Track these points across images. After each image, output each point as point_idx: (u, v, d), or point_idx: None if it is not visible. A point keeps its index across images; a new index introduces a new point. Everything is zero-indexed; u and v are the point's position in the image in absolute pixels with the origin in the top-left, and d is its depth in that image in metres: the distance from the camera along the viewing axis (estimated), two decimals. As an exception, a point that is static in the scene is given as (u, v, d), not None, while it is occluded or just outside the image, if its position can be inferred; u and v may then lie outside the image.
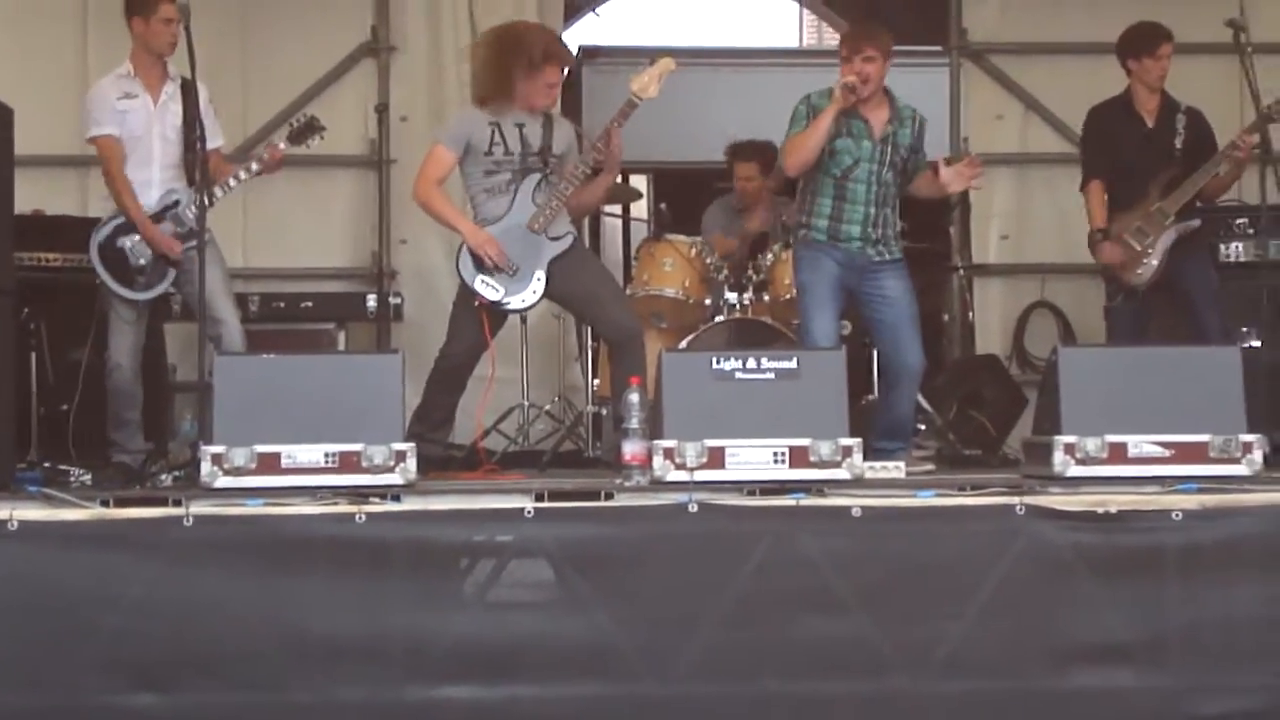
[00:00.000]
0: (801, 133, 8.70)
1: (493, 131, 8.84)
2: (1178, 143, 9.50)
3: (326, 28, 11.12)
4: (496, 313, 8.92)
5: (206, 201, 8.48)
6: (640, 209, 12.15)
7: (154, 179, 8.83)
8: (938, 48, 11.69)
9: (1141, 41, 9.62)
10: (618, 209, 12.02)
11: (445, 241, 11.08)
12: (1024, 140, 11.48)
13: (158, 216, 8.75)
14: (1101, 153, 9.73)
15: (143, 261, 8.73)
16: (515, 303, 8.87)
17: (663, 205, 10.44)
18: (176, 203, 8.77)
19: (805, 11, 19.60)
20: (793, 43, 20.54)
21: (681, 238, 10.12)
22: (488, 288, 8.81)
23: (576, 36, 13.47)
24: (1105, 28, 11.04)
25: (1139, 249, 9.41)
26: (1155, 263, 9.41)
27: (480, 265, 8.80)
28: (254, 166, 8.89)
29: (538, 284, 8.84)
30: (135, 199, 8.77)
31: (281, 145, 8.98)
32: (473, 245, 8.80)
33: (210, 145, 8.82)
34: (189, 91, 8.83)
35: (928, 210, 10.68)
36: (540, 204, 8.81)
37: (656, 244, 10.09)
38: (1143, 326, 9.53)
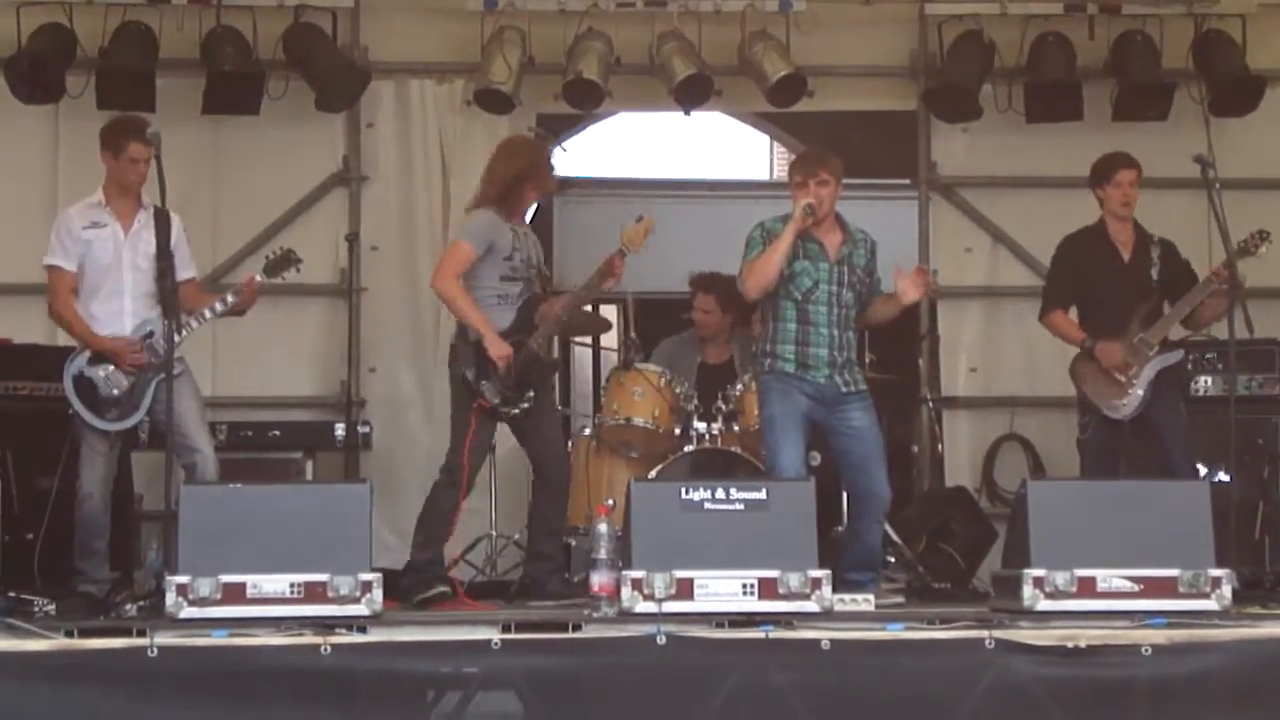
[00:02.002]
0: (761, 254, 8.74)
1: (512, 238, 9.12)
2: (1154, 274, 9.50)
3: (298, 156, 11.14)
4: (493, 417, 9.11)
5: (180, 332, 8.52)
6: (610, 338, 12.17)
7: (125, 309, 8.82)
8: (907, 181, 11.76)
9: (1101, 170, 9.68)
10: (588, 339, 12.03)
11: (415, 369, 11.10)
12: (993, 273, 11.52)
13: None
14: (1068, 283, 9.75)
15: (115, 392, 8.70)
16: (513, 410, 9.09)
17: (633, 335, 10.45)
18: (151, 333, 8.75)
19: (775, 144, 19.72)
20: (764, 175, 20.65)
21: (651, 367, 10.13)
22: (490, 391, 9.00)
23: (547, 168, 13.53)
24: (1073, 162, 11.13)
25: (1123, 381, 9.42)
26: (1140, 393, 9.39)
27: (486, 372, 8.99)
28: (229, 299, 8.91)
29: (529, 401, 9.07)
30: (83, 322, 8.78)
31: (257, 277, 9.02)
32: (495, 354, 9.00)
33: (183, 276, 8.87)
34: (161, 221, 8.85)
35: (896, 342, 10.71)
36: (540, 324, 9.14)
37: (626, 373, 10.09)
38: (1114, 460, 9.52)
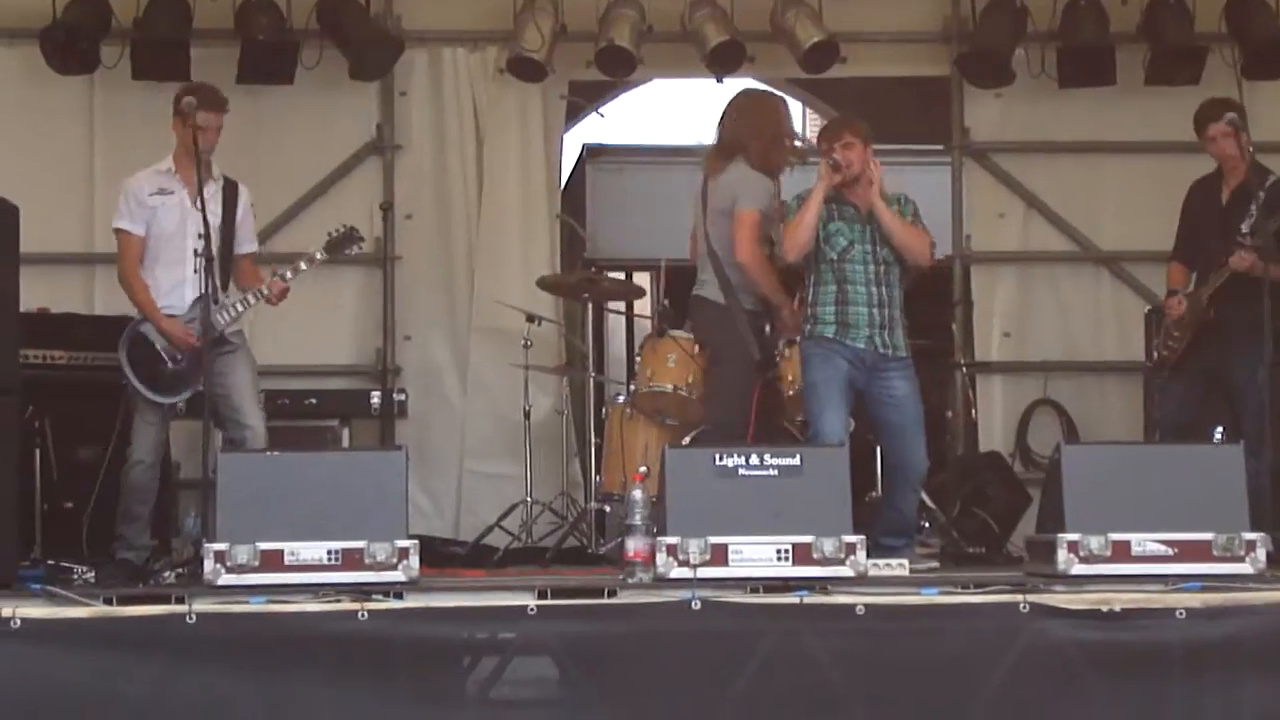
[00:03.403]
0: (793, 219, 8.73)
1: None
2: (1244, 225, 9.18)
3: (332, 125, 11.16)
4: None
5: (231, 311, 8.71)
6: (643, 306, 12.18)
7: (187, 278, 8.82)
8: (940, 146, 11.74)
9: (1196, 125, 9.54)
10: (621, 306, 12.04)
11: (449, 337, 11.12)
12: (1026, 238, 11.50)
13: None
14: (1179, 234, 9.69)
15: (172, 366, 8.75)
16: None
17: (666, 302, 10.46)
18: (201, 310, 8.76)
19: (808, 110, 19.69)
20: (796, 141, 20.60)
21: (684, 334, 10.14)
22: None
23: (580, 136, 13.53)
24: (1106, 127, 11.19)
25: (1176, 335, 9.41)
26: (1179, 348, 9.38)
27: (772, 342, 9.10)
28: (263, 291, 8.96)
29: None
30: (147, 293, 8.80)
31: (318, 255, 9.08)
32: (791, 328, 9.11)
33: (244, 250, 8.97)
34: (231, 193, 8.89)
35: (930, 308, 10.70)
36: None
37: (660, 340, 10.10)
38: (1188, 405, 9.49)
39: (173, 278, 8.84)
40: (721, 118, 9.46)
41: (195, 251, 8.65)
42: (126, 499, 8.77)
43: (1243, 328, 9.07)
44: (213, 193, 8.85)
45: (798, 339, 9.02)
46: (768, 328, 9.20)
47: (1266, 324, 8.62)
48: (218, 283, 8.72)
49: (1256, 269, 9.02)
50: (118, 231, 8.92)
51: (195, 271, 8.73)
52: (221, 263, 8.82)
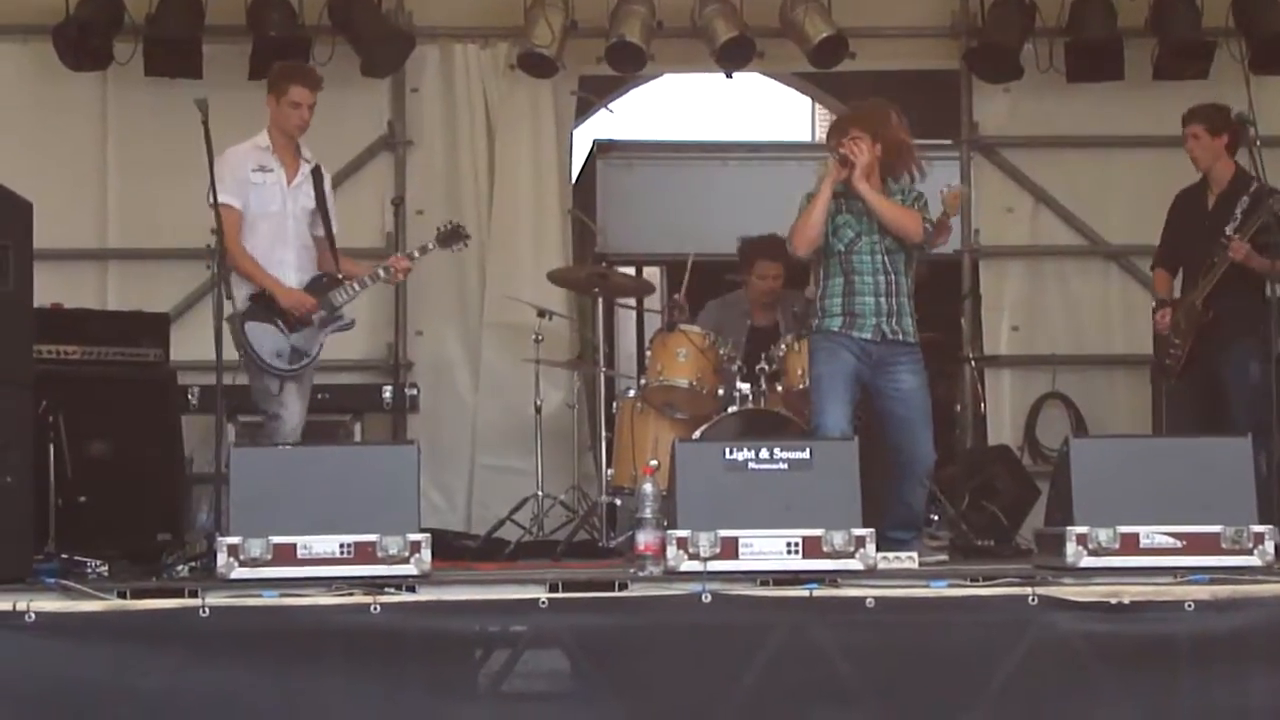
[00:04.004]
0: (801, 215, 8.74)
1: None
2: (1229, 228, 9.33)
3: (344, 121, 11.17)
4: None
5: (358, 286, 8.90)
6: (654, 301, 12.22)
7: (289, 260, 8.88)
8: (948, 141, 11.77)
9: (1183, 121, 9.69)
10: (631, 301, 12.08)
11: (461, 332, 11.16)
12: (1034, 232, 11.53)
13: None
14: (1163, 242, 9.83)
15: (291, 339, 8.85)
16: None
17: (677, 296, 10.50)
18: (325, 285, 8.89)
19: (817, 106, 19.71)
20: (805, 137, 20.64)
21: (695, 329, 10.18)
22: None
23: (590, 131, 13.58)
24: (1114, 122, 11.21)
25: (1178, 342, 9.47)
26: (1182, 354, 9.47)
27: None
28: (380, 274, 9.08)
29: None
30: (256, 263, 8.80)
31: (430, 245, 9.24)
32: None
33: (325, 233, 9.00)
34: (318, 175, 8.93)
35: (939, 301, 10.73)
36: None
37: (670, 335, 10.14)
38: (1179, 413, 9.62)
39: (273, 259, 8.84)
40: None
41: (302, 231, 8.86)
42: None
43: (1236, 325, 9.24)
44: (305, 174, 8.91)
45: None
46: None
47: (1274, 317, 8.66)
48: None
49: (1252, 260, 9.11)
50: (222, 207, 8.65)
51: (295, 252, 8.86)
52: (331, 244, 8.93)
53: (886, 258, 8.76)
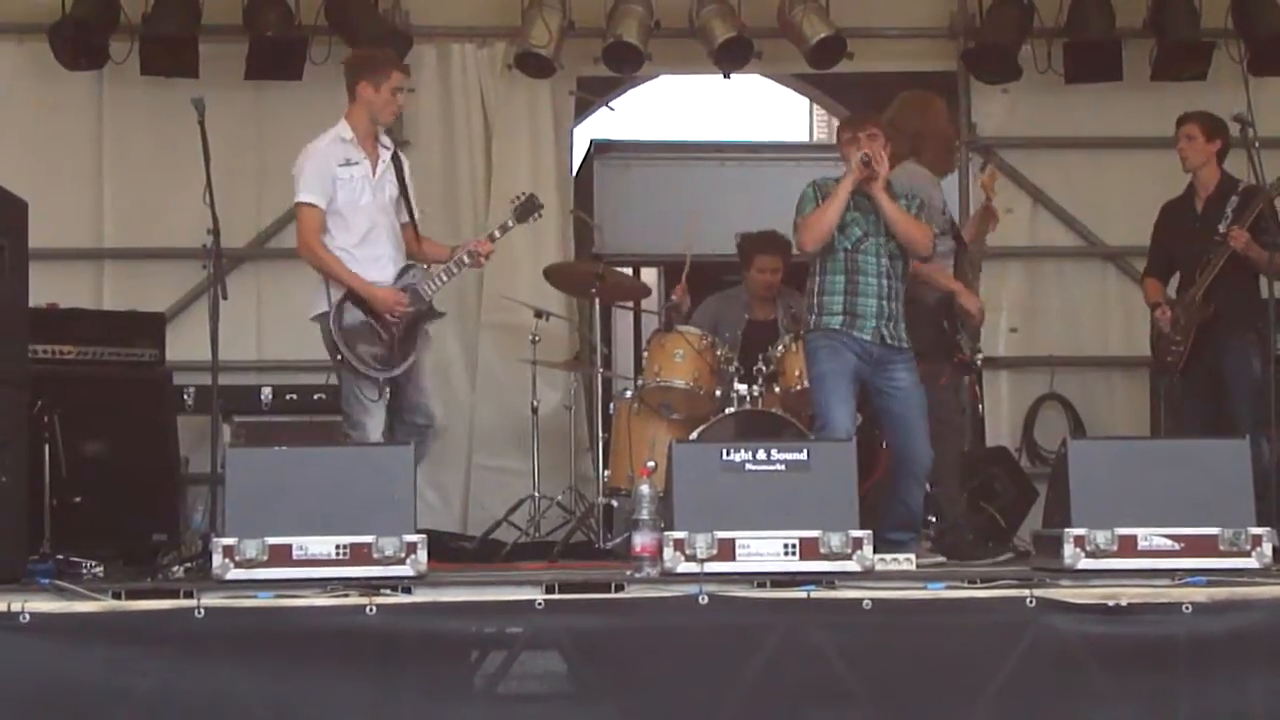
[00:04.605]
0: (817, 209, 8.72)
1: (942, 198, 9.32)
2: (1222, 226, 9.45)
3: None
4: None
5: (445, 277, 8.78)
6: (651, 302, 12.21)
7: (387, 254, 8.73)
8: (946, 141, 11.75)
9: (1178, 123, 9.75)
10: (629, 302, 12.06)
11: (458, 331, 11.13)
12: (1033, 233, 11.53)
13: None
14: (1153, 250, 9.93)
15: (385, 337, 8.66)
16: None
17: (674, 297, 10.48)
18: (413, 277, 8.76)
19: (816, 106, 19.70)
20: (803, 137, 20.64)
21: (692, 329, 10.17)
22: (966, 343, 9.22)
23: (587, 132, 13.56)
24: (1113, 123, 11.20)
25: (1179, 339, 9.53)
26: (1183, 350, 9.53)
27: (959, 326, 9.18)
28: (465, 259, 8.93)
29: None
30: (342, 264, 8.62)
31: (509, 222, 9.08)
32: (971, 305, 9.18)
33: (407, 219, 8.89)
34: (399, 161, 8.81)
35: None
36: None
37: (667, 336, 10.13)
38: (1200, 405, 9.64)
39: (371, 254, 8.68)
40: (892, 118, 9.38)
41: (390, 221, 8.72)
42: None
43: (1236, 320, 9.36)
44: (387, 161, 8.77)
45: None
46: (946, 317, 9.21)
47: (1271, 314, 8.71)
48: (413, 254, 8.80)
49: (1251, 250, 9.15)
50: (303, 205, 8.69)
51: (390, 245, 8.70)
52: (414, 230, 8.81)
53: (890, 262, 8.76)
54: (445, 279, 8.88)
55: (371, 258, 8.69)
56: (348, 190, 8.66)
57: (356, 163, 8.69)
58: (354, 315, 8.66)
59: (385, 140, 8.82)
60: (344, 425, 8.88)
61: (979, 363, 9.17)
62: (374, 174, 8.72)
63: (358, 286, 8.62)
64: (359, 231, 8.69)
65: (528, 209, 9.18)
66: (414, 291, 8.72)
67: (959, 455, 9.46)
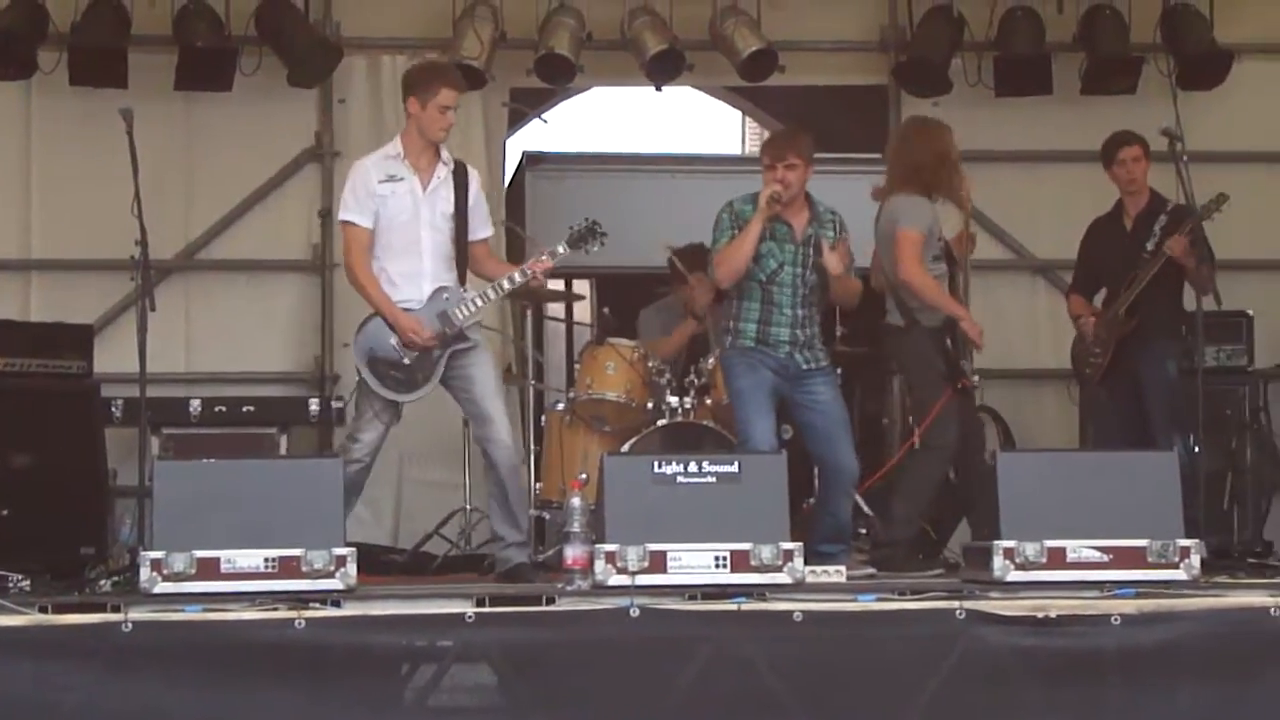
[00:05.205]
0: (731, 243, 8.79)
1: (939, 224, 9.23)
2: (1149, 245, 9.58)
3: (271, 133, 11.13)
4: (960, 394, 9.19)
5: (480, 302, 8.55)
6: (583, 313, 12.19)
7: (424, 270, 8.56)
8: (878, 155, 11.77)
9: (1106, 151, 9.89)
10: (561, 313, 12.04)
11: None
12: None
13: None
14: (1079, 267, 10.07)
15: (407, 361, 8.55)
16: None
17: (606, 309, 10.48)
18: (446, 299, 8.57)
19: (747, 119, 19.73)
20: (735, 150, 20.66)
21: (624, 341, 10.17)
22: (969, 370, 9.25)
23: (519, 143, 13.52)
24: (1043, 136, 11.26)
25: (1098, 351, 9.68)
26: (1103, 363, 9.69)
27: (960, 353, 9.14)
28: (516, 277, 8.70)
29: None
30: (379, 287, 8.52)
31: (560, 249, 8.82)
32: (974, 334, 9.16)
33: (478, 236, 8.70)
34: (462, 177, 8.63)
35: (866, 315, 10.73)
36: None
37: (599, 348, 10.13)
38: (1102, 422, 9.88)
39: (406, 270, 8.54)
40: (889, 148, 9.57)
41: (440, 238, 8.54)
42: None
43: (1156, 329, 9.57)
44: (443, 177, 8.60)
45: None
46: (949, 341, 9.21)
47: (1199, 324, 8.84)
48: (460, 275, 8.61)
49: (1187, 258, 9.23)
50: (344, 224, 8.60)
51: (432, 261, 8.52)
52: (458, 253, 8.60)
53: (804, 292, 8.85)
54: (481, 303, 8.65)
55: (406, 274, 8.56)
56: (388, 207, 8.54)
57: (401, 179, 8.56)
58: (380, 334, 8.57)
59: (445, 156, 8.66)
60: (348, 432, 8.84)
61: (977, 385, 9.20)
62: (424, 190, 8.57)
63: (384, 310, 8.51)
64: (395, 248, 8.56)
65: (585, 237, 8.91)
66: (444, 315, 8.55)
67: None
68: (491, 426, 8.50)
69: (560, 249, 8.82)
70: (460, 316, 8.55)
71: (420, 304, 8.57)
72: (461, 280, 8.66)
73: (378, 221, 8.55)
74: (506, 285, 8.72)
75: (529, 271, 8.71)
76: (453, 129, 8.71)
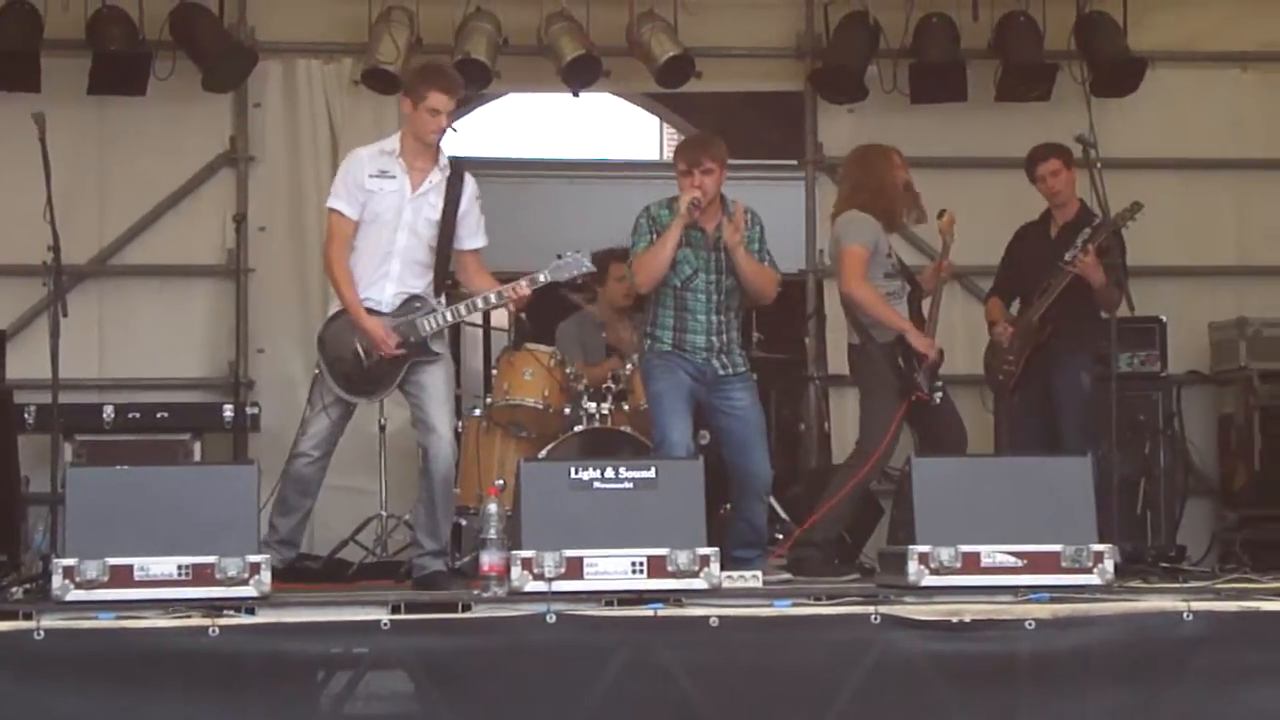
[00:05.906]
0: (650, 249, 8.80)
1: (887, 241, 9.24)
2: (1068, 256, 9.61)
3: (185, 137, 11.06)
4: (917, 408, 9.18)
5: (451, 316, 8.53)
6: (500, 318, 12.17)
7: (391, 273, 8.50)
8: (794, 161, 11.82)
9: (1028, 165, 9.95)
10: (478, 319, 12.02)
11: (303, 350, 11.03)
12: (879, 252, 11.59)
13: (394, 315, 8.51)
14: (1000, 271, 10.14)
15: (366, 365, 8.50)
16: (934, 400, 9.19)
17: (523, 315, 10.44)
18: (417, 309, 8.51)
19: (665, 125, 19.76)
20: (654, 155, 20.68)
21: (541, 347, 10.16)
22: (925, 383, 9.14)
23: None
24: (958, 143, 11.30)
25: (1011, 358, 9.73)
26: (1015, 370, 9.74)
27: (914, 365, 9.10)
28: (492, 298, 8.66)
29: (941, 389, 9.29)
30: (351, 285, 8.46)
31: (541, 277, 8.65)
32: (922, 347, 9.11)
33: (469, 245, 8.63)
34: (456, 183, 8.53)
35: (784, 320, 10.77)
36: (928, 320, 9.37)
37: (516, 353, 10.10)
38: (1015, 428, 9.88)
39: (375, 269, 8.48)
40: (849, 174, 9.65)
41: (417, 243, 8.49)
42: (285, 489, 8.63)
43: (1070, 341, 9.64)
44: (436, 182, 8.52)
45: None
46: (902, 356, 9.20)
47: (1113, 335, 8.89)
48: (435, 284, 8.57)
49: (1095, 273, 9.29)
50: (330, 211, 8.53)
51: (401, 264, 8.46)
52: (437, 261, 8.53)
53: (720, 297, 8.86)
54: (451, 318, 8.60)
55: (376, 275, 8.51)
56: (374, 202, 8.48)
57: (393, 176, 8.50)
58: (343, 332, 8.54)
59: (444, 161, 8.58)
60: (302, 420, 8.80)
61: (938, 400, 9.19)
62: (412, 191, 8.52)
63: (353, 312, 8.46)
64: (367, 245, 8.51)
65: (564, 270, 8.73)
66: (410, 325, 8.48)
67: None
68: (433, 436, 8.47)
69: (541, 277, 8.70)
70: (427, 329, 8.50)
71: (380, 305, 8.53)
72: (437, 289, 8.62)
73: (361, 215, 8.51)
74: (480, 304, 8.73)
75: (505, 295, 8.65)
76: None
